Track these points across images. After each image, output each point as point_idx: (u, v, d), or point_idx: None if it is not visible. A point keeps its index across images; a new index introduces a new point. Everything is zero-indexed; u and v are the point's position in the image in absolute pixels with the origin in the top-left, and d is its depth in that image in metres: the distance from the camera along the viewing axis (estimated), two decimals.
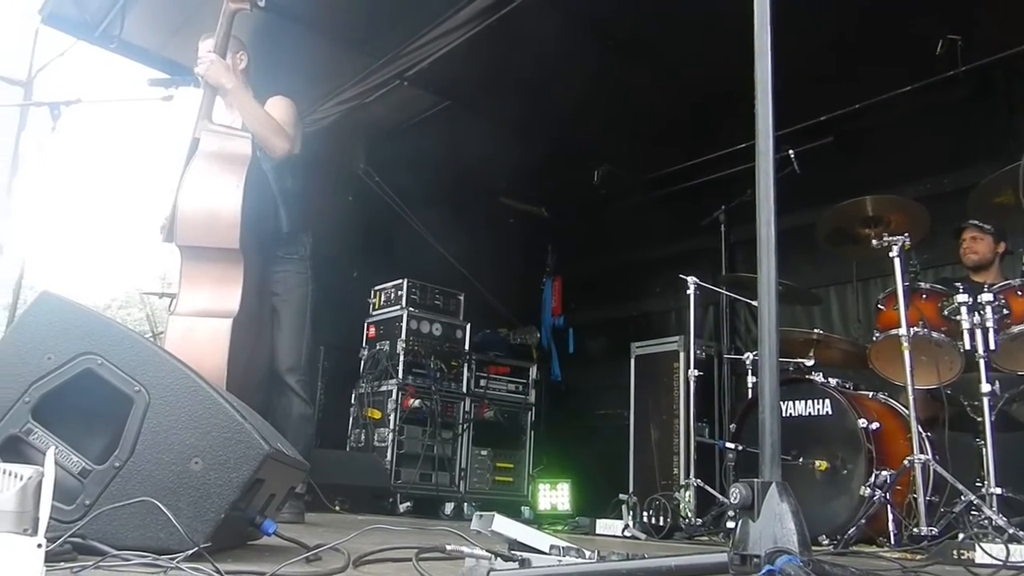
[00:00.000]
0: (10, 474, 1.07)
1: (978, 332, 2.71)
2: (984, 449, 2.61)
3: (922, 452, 2.69)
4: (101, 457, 1.42)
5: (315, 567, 1.39)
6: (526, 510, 5.30)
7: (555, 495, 5.28)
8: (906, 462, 2.68)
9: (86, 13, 4.44)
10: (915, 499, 2.61)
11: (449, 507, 5.03)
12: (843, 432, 3.07)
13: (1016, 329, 2.78)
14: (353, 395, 5.23)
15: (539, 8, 3.82)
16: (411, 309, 5.15)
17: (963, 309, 2.76)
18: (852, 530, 2.76)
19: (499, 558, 1.40)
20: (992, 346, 2.68)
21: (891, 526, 2.74)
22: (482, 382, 5.42)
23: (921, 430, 2.78)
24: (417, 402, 4.98)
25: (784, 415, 3.23)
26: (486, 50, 4.23)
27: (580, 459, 5.48)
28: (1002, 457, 2.58)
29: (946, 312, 2.86)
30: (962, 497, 2.53)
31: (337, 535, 1.58)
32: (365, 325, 5.37)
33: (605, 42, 4.41)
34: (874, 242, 2.95)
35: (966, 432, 2.94)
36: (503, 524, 1.43)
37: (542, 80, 4.71)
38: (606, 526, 3.67)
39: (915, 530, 2.56)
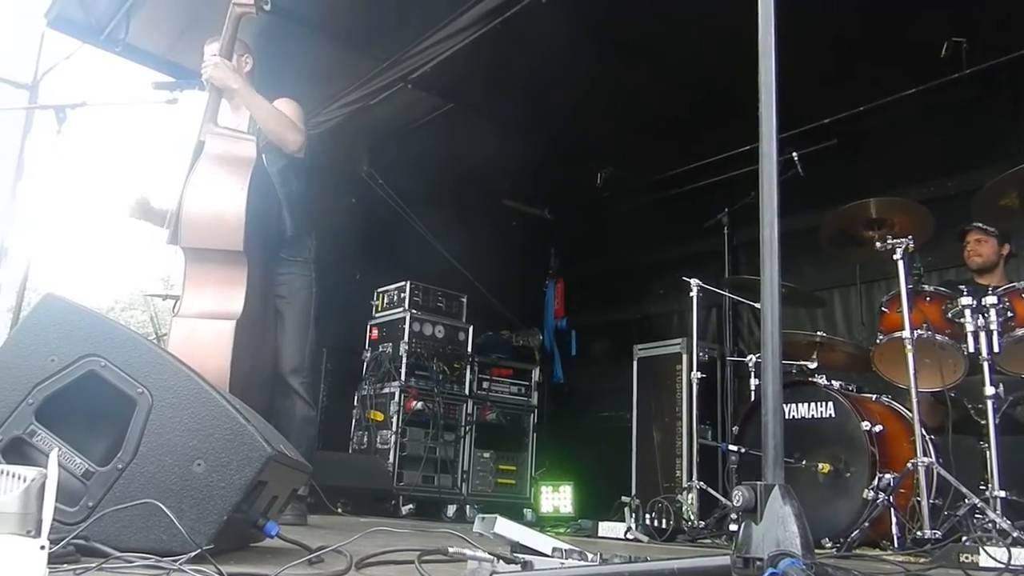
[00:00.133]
0: (13, 476, 1.08)
1: (982, 335, 2.70)
2: (988, 452, 2.60)
3: (926, 455, 2.68)
4: (104, 459, 1.43)
5: (317, 569, 1.39)
6: (528, 512, 5.29)
7: (557, 497, 5.28)
8: (909, 465, 2.67)
9: (92, 17, 4.46)
10: (919, 502, 2.60)
11: (451, 509, 5.03)
12: (846, 435, 3.06)
13: (1020, 332, 2.77)
14: (356, 397, 5.23)
15: (542, 11, 3.82)
16: (414, 311, 5.15)
17: (967, 312, 2.75)
18: (855, 533, 2.75)
19: (501, 560, 1.40)
20: (996, 349, 2.68)
21: (894, 529, 2.73)
22: (484, 384, 5.41)
23: (925, 433, 2.77)
24: (420, 404, 4.98)
25: (787, 418, 3.22)
26: (489, 53, 4.24)
27: (582, 461, 5.47)
28: (1006, 460, 2.57)
29: (950, 315, 2.85)
30: (966, 500, 2.52)
31: (339, 537, 1.58)
32: (368, 327, 5.38)
33: (608, 44, 4.42)
34: (878, 244, 2.95)
35: (970, 435, 2.93)
36: (505, 526, 1.43)
37: (545, 82, 4.71)
38: (608, 528, 3.66)
39: (918, 533, 2.56)
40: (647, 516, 3.56)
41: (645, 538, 3.43)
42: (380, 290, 5.44)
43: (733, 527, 3.16)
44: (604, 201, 6.02)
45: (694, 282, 3.87)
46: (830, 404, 3.16)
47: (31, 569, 0.97)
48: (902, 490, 2.77)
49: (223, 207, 2.53)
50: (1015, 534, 2.35)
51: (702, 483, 3.58)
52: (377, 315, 5.39)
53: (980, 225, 3.55)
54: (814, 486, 3.04)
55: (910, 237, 2.86)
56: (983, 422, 2.68)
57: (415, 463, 4.91)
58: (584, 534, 3.88)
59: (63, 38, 4.69)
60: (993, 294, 2.75)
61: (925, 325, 2.90)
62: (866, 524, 2.77)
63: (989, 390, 2.62)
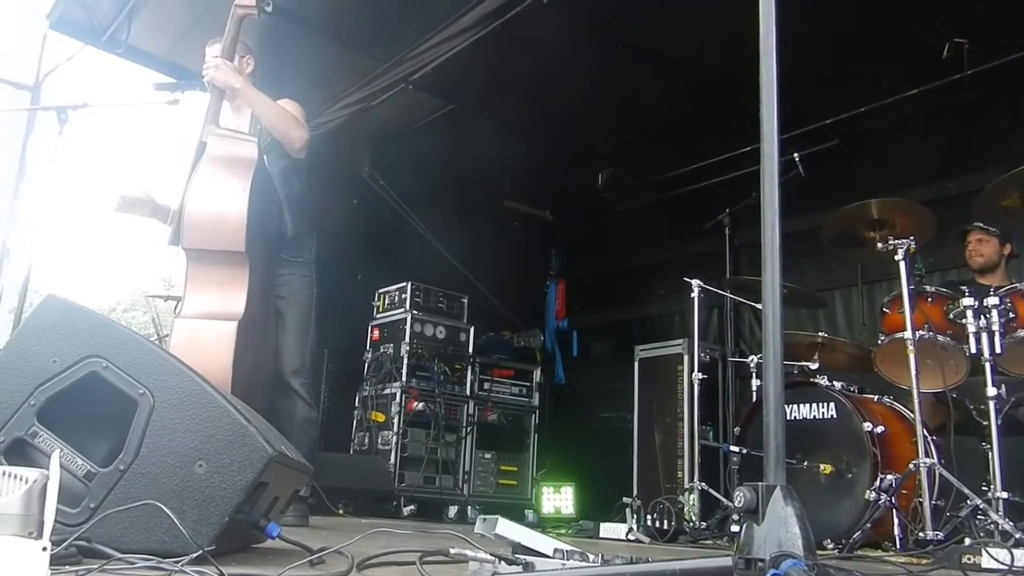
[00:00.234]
0: (15, 477, 1.08)
1: (984, 335, 2.70)
2: (990, 453, 2.60)
3: (928, 456, 2.68)
4: (106, 460, 1.43)
5: (319, 570, 1.39)
6: (530, 513, 5.29)
7: (559, 498, 5.27)
8: (911, 466, 2.66)
9: (94, 18, 4.47)
10: (921, 503, 2.60)
11: (453, 510, 5.03)
12: (848, 436, 3.05)
13: (1022, 332, 2.77)
14: (357, 398, 5.23)
15: (543, 12, 3.82)
16: (415, 312, 5.15)
17: (969, 312, 2.75)
18: (857, 534, 2.75)
19: (503, 561, 1.40)
20: (998, 349, 2.67)
21: (896, 530, 2.72)
22: (486, 385, 5.41)
23: (927, 434, 2.76)
24: (421, 405, 4.98)
25: (788, 418, 3.22)
26: (490, 53, 4.24)
27: (584, 462, 5.47)
28: (1008, 461, 2.56)
29: (952, 315, 2.85)
30: (968, 501, 2.52)
31: (341, 538, 1.58)
32: (369, 328, 5.38)
33: (609, 45, 4.42)
34: (879, 245, 2.95)
35: (972, 436, 2.93)
36: (507, 527, 1.43)
37: (546, 83, 4.72)
38: (610, 529, 3.66)
39: (921, 534, 2.55)
40: (648, 517, 3.56)
41: (646, 539, 3.43)
42: (381, 291, 5.44)
43: (735, 528, 3.15)
44: (605, 202, 6.03)
45: (695, 283, 3.87)
46: (832, 405, 3.16)
47: (33, 570, 0.97)
48: (904, 491, 2.77)
49: (225, 208, 2.53)
50: (1017, 535, 2.35)
51: (703, 484, 3.58)
52: (378, 316, 5.39)
53: (981, 225, 3.55)
54: (816, 487, 3.04)
55: (911, 238, 2.86)
56: (985, 423, 2.67)
57: (416, 464, 4.91)
58: (585, 535, 3.87)
59: (65, 40, 4.70)
60: (995, 295, 2.75)
61: (927, 326, 2.89)
62: (868, 525, 2.76)
63: (991, 391, 2.62)
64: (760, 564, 1.06)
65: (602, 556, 1.40)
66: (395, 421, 4.90)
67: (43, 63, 4.97)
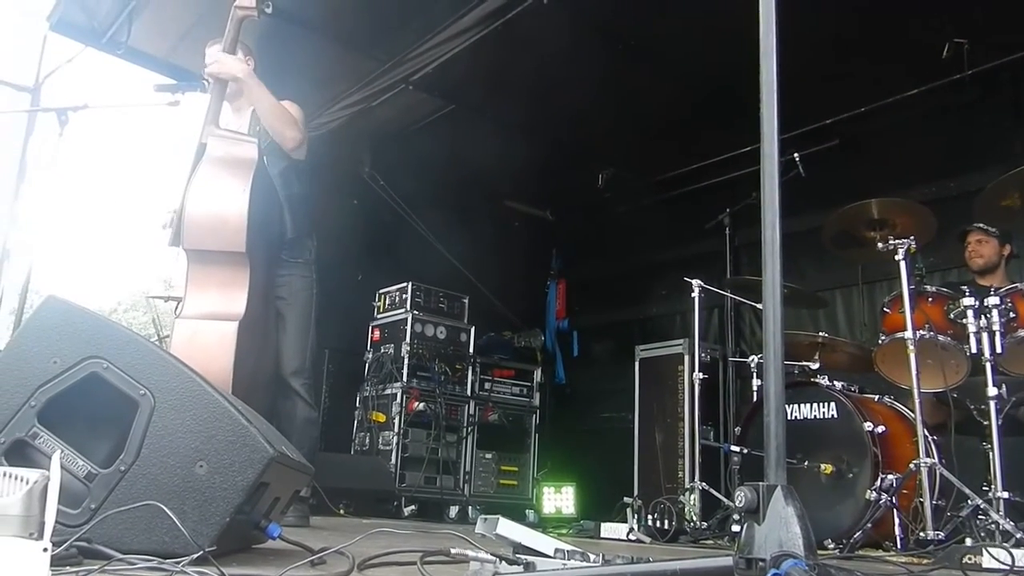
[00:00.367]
0: (16, 478, 1.08)
1: (984, 335, 2.70)
2: (991, 453, 2.59)
3: (928, 456, 2.68)
4: (106, 461, 1.43)
5: (320, 571, 1.39)
6: (530, 513, 5.29)
7: (559, 498, 5.27)
8: (912, 466, 2.66)
9: (94, 20, 4.47)
10: (921, 503, 2.60)
11: (454, 510, 5.03)
12: (849, 435, 3.05)
13: (1022, 332, 2.77)
14: (357, 398, 5.23)
15: (544, 12, 3.82)
16: (415, 312, 5.15)
17: (969, 312, 2.75)
18: (858, 534, 2.75)
19: (504, 561, 1.40)
20: (999, 349, 2.67)
21: (897, 530, 2.72)
22: (486, 385, 5.41)
23: (927, 434, 2.76)
24: (421, 405, 4.98)
25: (789, 418, 3.22)
26: (491, 54, 4.24)
27: (584, 462, 5.47)
28: (1009, 461, 2.56)
29: (952, 315, 2.85)
30: (969, 501, 2.52)
31: (342, 538, 1.58)
32: (370, 328, 5.38)
33: (610, 45, 4.42)
34: (880, 245, 2.94)
35: (972, 436, 2.93)
36: (508, 527, 1.43)
37: (547, 83, 4.72)
38: (611, 529, 3.66)
39: (921, 534, 2.55)
40: (649, 517, 3.56)
41: (647, 539, 3.43)
42: (382, 291, 5.44)
43: (735, 528, 3.15)
44: (606, 202, 6.03)
45: (696, 283, 3.87)
46: (832, 405, 3.16)
47: (34, 571, 0.97)
48: (905, 491, 2.76)
49: (225, 209, 2.53)
50: (1018, 535, 2.35)
51: (704, 484, 3.58)
52: (379, 316, 5.39)
53: (981, 226, 3.55)
54: (816, 487, 3.04)
55: (912, 238, 2.86)
56: (986, 423, 2.67)
57: (417, 464, 4.91)
58: (586, 535, 3.87)
59: (65, 41, 4.71)
60: (995, 295, 2.75)
61: (927, 326, 2.89)
62: (869, 525, 2.76)
63: (991, 391, 2.62)
64: (761, 564, 1.06)
65: (603, 556, 1.40)
66: (396, 421, 4.90)
67: (43, 65, 4.98)
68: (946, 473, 2.62)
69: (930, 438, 2.81)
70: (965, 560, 2.19)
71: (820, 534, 2.72)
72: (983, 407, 2.72)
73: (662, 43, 4.35)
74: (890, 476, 2.84)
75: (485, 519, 1.51)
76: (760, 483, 1.13)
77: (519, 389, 5.59)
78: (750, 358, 3.86)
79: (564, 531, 4.21)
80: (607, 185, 5.61)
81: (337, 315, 4.40)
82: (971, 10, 3.80)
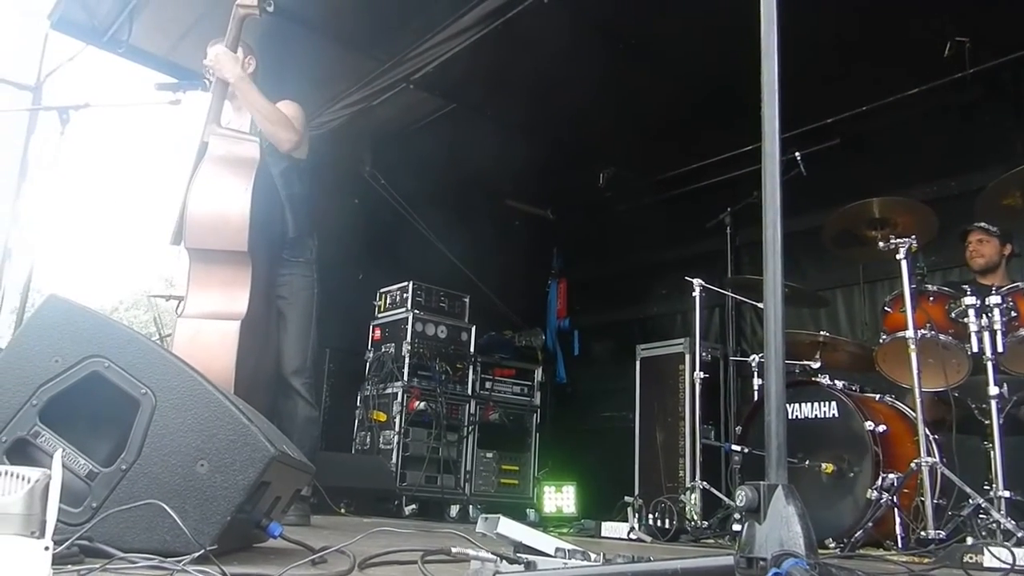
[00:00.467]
0: (17, 477, 1.08)
1: (986, 334, 2.70)
2: (992, 452, 2.59)
3: (929, 455, 2.67)
4: (108, 460, 1.43)
5: (321, 569, 1.39)
6: (531, 512, 5.29)
7: (560, 497, 5.27)
8: (913, 465, 2.66)
9: (95, 18, 4.47)
10: (922, 502, 2.60)
11: (454, 509, 5.03)
12: (850, 435, 3.05)
13: None
14: (358, 397, 5.23)
15: (544, 11, 3.82)
16: (416, 311, 5.15)
17: (971, 311, 2.74)
18: (859, 533, 2.75)
19: (504, 560, 1.40)
20: (1000, 348, 2.67)
21: (898, 529, 2.72)
22: (487, 384, 5.42)
23: (928, 433, 2.76)
24: (422, 404, 4.98)
25: (790, 417, 3.22)
26: (492, 53, 4.24)
27: (585, 461, 5.47)
28: (1010, 460, 2.56)
29: (953, 314, 2.84)
30: (970, 500, 2.51)
31: (343, 537, 1.58)
32: (370, 328, 5.38)
33: (610, 44, 4.42)
34: (881, 244, 2.94)
35: (974, 435, 2.93)
36: (508, 527, 1.43)
37: (547, 82, 4.72)
38: (611, 529, 3.66)
39: (922, 533, 2.55)
40: (650, 516, 3.56)
41: (648, 538, 3.43)
42: (383, 290, 5.44)
43: (736, 527, 3.15)
44: (607, 201, 6.03)
45: (696, 282, 3.87)
46: (833, 404, 3.16)
47: (35, 570, 0.97)
48: (906, 490, 2.76)
49: (227, 208, 2.53)
50: (1019, 534, 2.34)
51: (705, 483, 3.58)
52: (380, 315, 5.39)
53: (982, 225, 3.55)
54: (817, 486, 3.03)
55: (913, 237, 2.86)
56: (987, 422, 2.67)
57: (418, 463, 4.91)
58: (587, 534, 3.87)
59: (66, 40, 4.71)
60: (997, 294, 2.74)
61: (928, 325, 2.89)
62: (870, 524, 2.76)
63: (993, 390, 2.62)
64: (762, 563, 1.06)
65: (604, 555, 1.40)
66: (397, 420, 4.90)
67: (44, 63, 4.98)
68: (947, 472, 2.61)
69: (931, 437, 2.80)
70: (966, 559, 2.19)
71: (821, 533, 2.72)
72: (984, 406, 2.72)
73: (663, 43, 4.35)
74: (891, 475, 2.84)
75: (486, 518, 1.51)
76: (761, 482, 1.13)
77: (520, 388, 5.59)
78: (751, 357, 3.86)
79: (565, 530, 4.21)
80: (608, 184, 5.61)
81: (338, 314, 4.39)
82: (972, 9, 3.79)
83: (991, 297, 2.73)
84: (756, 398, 3.74)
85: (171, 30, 4.53)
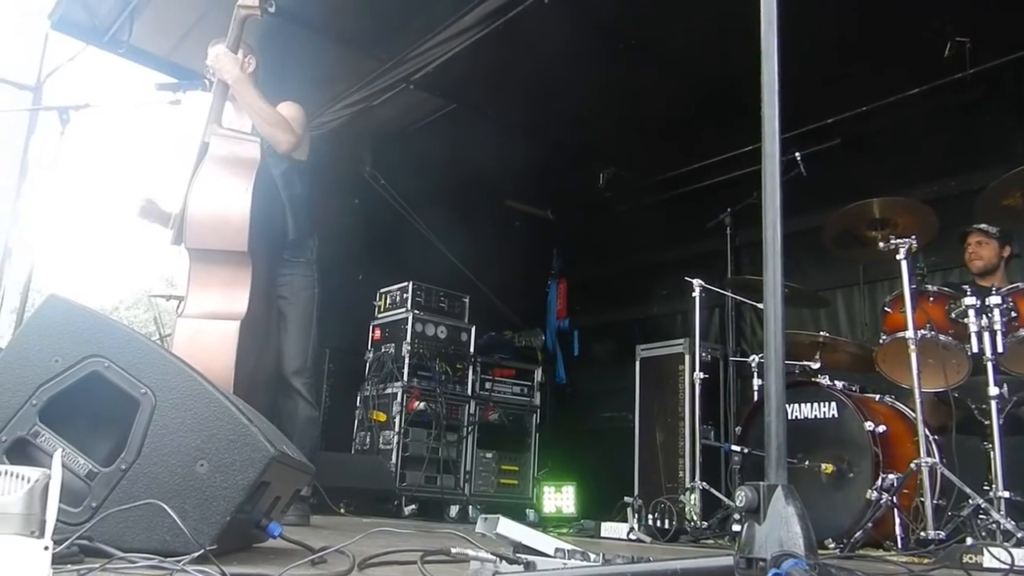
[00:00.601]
0: (17, 476, 1.08)
1: (986, 335, 2.70)
2: (992, 452, 2.59)
3: (929, 455, 2.67)
4: (107, 459, 1.43)
5: (320, 570, 1.39)
6: (531, 513, 5.29)
7: (560, 498, 5.27)
8: (913, 465, 2.66)
9: (95, 18, 4.47)
10: (922, 503, 2.60)
11: (454, 510, 5.03)
12: (849, 435, 3.05)
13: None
14: (358, 398, 5.24)
15: (544, 11, 3.82)
16: (416, 312, 5.15)
17: (971, 312, 2.74)
18: (859, 534, 2.75)
19: (504, 561, 1.40)
20: (1000, 349, 2.67)
21: (898, 530, 2.72)
22: (487, 385, 5.42)
23: (928, 433, 2.76)
24: (422, 405, 4.98)
25: (790, 418, 3.22)
26: (492, 53, 4.24)
27: (585, 462, 5.47)
28: (1010, 461, 2.56)
29: (953, 315, 2.84)
30: (970, 501, 2.52)
31: (342, 538, 1.58)
32: (370, 328, 5.38)
33: (611, 45, 4.42)
34: (881, 245, 2.94)
35: (974, 435, 2.93)
36: (508, 527, 1.43)
37: (548, 83, 4.72)
38: (611, 529, 3.66)
39: (922, 534, 2.55)
40: (650, 517, 3.56)
41: (648, 539, 3.43)
42: (383, 290, 5.44)
43: (736, 528, 3.15)
44: (607, 201, 6.03)
45: (696, 282, 3.87)
46: (833, 404, 3.16)
47: (35, 569, 0.97)
48: (905, 490, 2.76)
49: (227, 208, 2.53)
50: (1019, 535, 2.34)
51: (705, 483, 3.58)
52: (380, 316, 5.39)
53: (980, 227, 3.55)
54: (817, 486, 3.03)
55: (913, 237, 2.86)
56: (987, 422, 2.67)
57: (418, 464, 4.91)
58: (587, 535, 3.87)
59: (67, 40, 4.71)
60: (997, 294, 2.74)
61: (928, 325, 2.89)
62: (869, 525, 2.76)
63: (993, 390, 2.62)
64: (761, 563, 1.06)
65: (603, 556, 1.40)
66: (396, 421, 4.90)
67: (45, 63, 4.98)
68: (947, 473, 2.61)
69: (931, 438, 2.80)
70: (966, 560, 2.19)
71: (821, 534, 2.72)
72: (984, 407, 2.72)
73: (663, 43, 4.35)
74: (891, 476, 2.84)
75: (485, 518, 1.51)
76: (761, 483, 1.13)
77: (520, 388, 5.59)
78: (751, 358, 3.86)
79: (564, 531, 4.21)
80: (608, 184, 5.60)
81: (338, 314, 4.39)
82: (973, 9, 3.79)
83: (991, 297, 2.73)
84: (756, 398, 3.74)
85: (172, 30, 4.53)
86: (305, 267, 3.12)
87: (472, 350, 5.39)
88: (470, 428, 5.24)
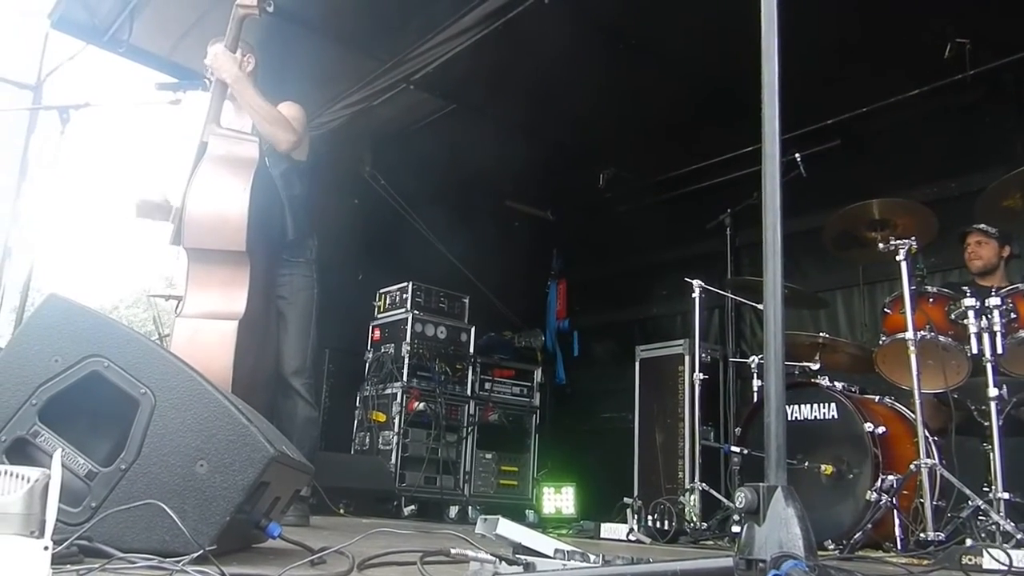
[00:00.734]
0: (17, 476, 1.08)
1: (985, 336, 2.70)
2: (991, 453, 2.59)
3: (929, 456, 2.68)
4: (107, 459, 1.43)
5: (320, 570, 1.39)
6: (530, 513, 5.29)
7: (559, 498, 5.27)
8: (913, 466, 2.66)
9: (95, 18, 4.47)
10: (922, 504, 2.60)
11: (453, 510, 5.03)
12: (849, 436, 3.05)
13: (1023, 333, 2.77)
14: (358, 398, 5.23)
15: (545, 11, 3.82)
16: (416, 312, 5.15)
17: (970, 313, 2.75)
18: (858, 535, 2.75)
19: (503, 562, 1.40)
20: (999, 350, 2.67)
21: (897, 531, 2.72)
22: (487, 385, 5.41)
23: (928, 434, 2.76)
24: (422, 405, 4.98)
25: (789, 419, 3.21)
26: (492, 53, 4.24)
27: (585, 462, 5.47)
28: (1010, 462, 2.56)
29: (953, 316, 2.84)
30: (969, 502, 2.52)
31: (342, 538, 1.58)
32: (370, 328, 5.38)
33: (611, 45, 4.42)
34: (881, 246, 2.94)
35: (973, 436, 2.93)
36: (507, 528, 1.43)
37: (548, 83, 4.72)
38: (611, 530, 3.66)
39: (922, 535, 2.55)
40: (649, 517, 3.56)
41: (647, 539, 3.42)
42: (382, 291, 5.44)
43: (736, 529, 3.15)
44: (606, 202, 6.03)
45: (696, 283, 3.87)
46: (833, 405, 3.16)
47: (35, 569, 0.97)
48: (905, 492, 2.76)
49: (226, 208, 2.53)
50: (1019, 536, 2.35)
51: (704, 484, 3.58)
52: (379, 316, 5.39)
53: (980, 227, 3.55)
54: (817, 488, 3.03)
55: (913, 238, 2.86)
56: (986, 424, 2.67)
57: (417, 464, 4.91)
58: (586, 535, 3.87)
59: (67, 39, 4.71)
60: (996, 295, 2.75)
61: (928, 326, 2.89)
62: (869, 526, 2.76)
63: (992, 391, 2.62)
64: (761, 565, 1.06)
65: (603, 556, 1.40)
66: (396, 421, 4.90)
67: (45, 62, 4.98)
68: (946, 474, 2.61)
69: (930, 439, 2.80)
70: (965, 561, 2.19)
71: (820, 535, 2.72)
72: (984, 408, 2.72)
73: (663, 43, 4.35)
74: (890, 477, 2.84)
75: (485, 519, 1.51)
76: (760, 484, 1.13)
77: (519, 389, 5.59)
78: (751, 359, 3.86)
79: (564, 531, 4.21)
80: (608, 185, 5.61)
81: (337, 315, 4.39)
82: (973, 10, 3.79)
83: (991, 299, 2.73)
84: (755, 399, 3.74)
85: (172, 30, 4.53)
86: (304, 267, 3.12)
87: (472, 350, 5.39)
88: (470, 429, 5.24)
